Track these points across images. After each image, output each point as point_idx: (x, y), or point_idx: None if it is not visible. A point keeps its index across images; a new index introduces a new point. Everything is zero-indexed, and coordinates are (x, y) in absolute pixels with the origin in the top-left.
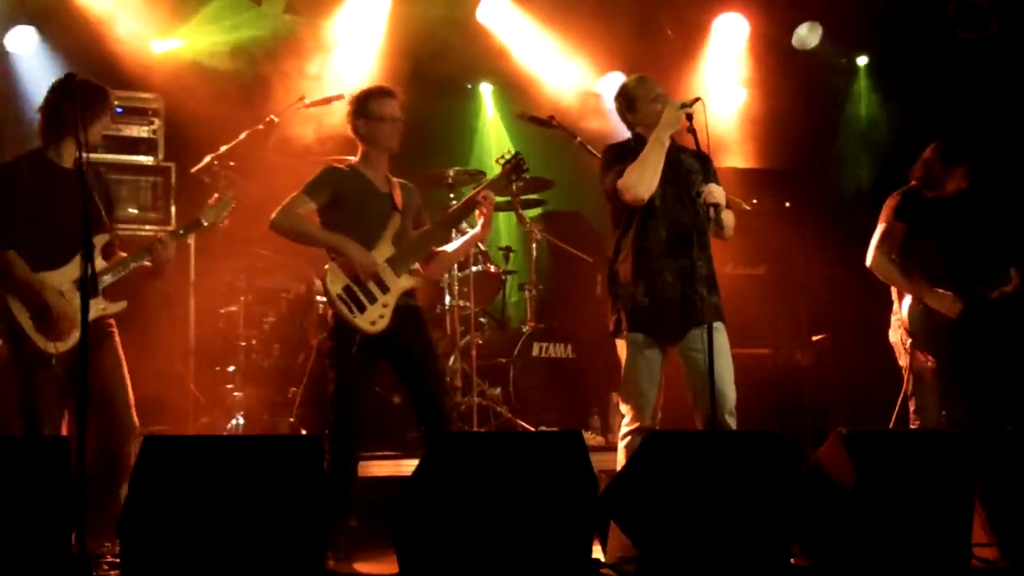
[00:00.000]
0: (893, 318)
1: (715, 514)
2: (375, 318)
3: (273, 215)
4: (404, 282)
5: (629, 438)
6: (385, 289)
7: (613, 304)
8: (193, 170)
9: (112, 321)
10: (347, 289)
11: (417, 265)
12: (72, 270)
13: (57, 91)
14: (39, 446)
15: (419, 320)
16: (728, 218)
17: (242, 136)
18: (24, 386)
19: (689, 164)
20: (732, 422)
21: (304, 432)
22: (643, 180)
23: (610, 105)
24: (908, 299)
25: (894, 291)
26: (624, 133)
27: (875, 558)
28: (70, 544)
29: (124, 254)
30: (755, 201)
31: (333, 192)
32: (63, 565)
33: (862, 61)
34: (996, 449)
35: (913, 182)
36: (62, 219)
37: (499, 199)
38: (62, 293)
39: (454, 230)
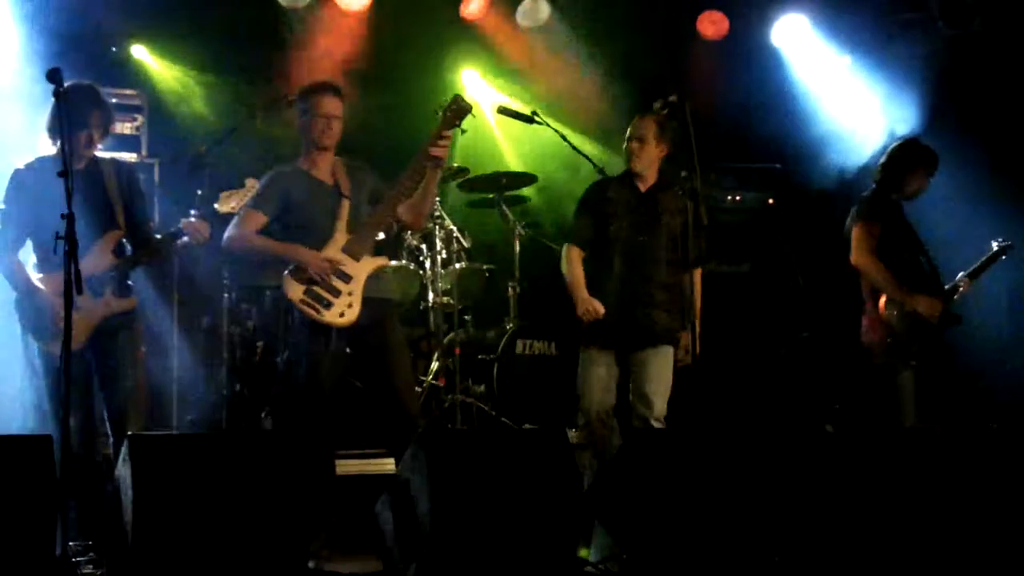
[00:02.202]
0: (865, 318)
1: (698, 511)
2: (343, 309)
3: (225, 234)
4: (366, 265)
5: None
6: (347, 279)
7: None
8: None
9: (131, 315)
10: (308, 292)
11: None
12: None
13: (57, 96)
14: (21, 444)
15: (389, 316)
16: None
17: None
18: (43, 386)
19: (664, 203)
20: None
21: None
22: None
23: None
24: (883, 299)
25: (866, 291)
26: None
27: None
28: (53, 543)
29: (157, 236)
30: (738, 198)
31: (281, 198)
32: (46, 564)
33: (846, 57)
34: None
35: (874, 184)
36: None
37: (484, 195)
38: (62, 294)
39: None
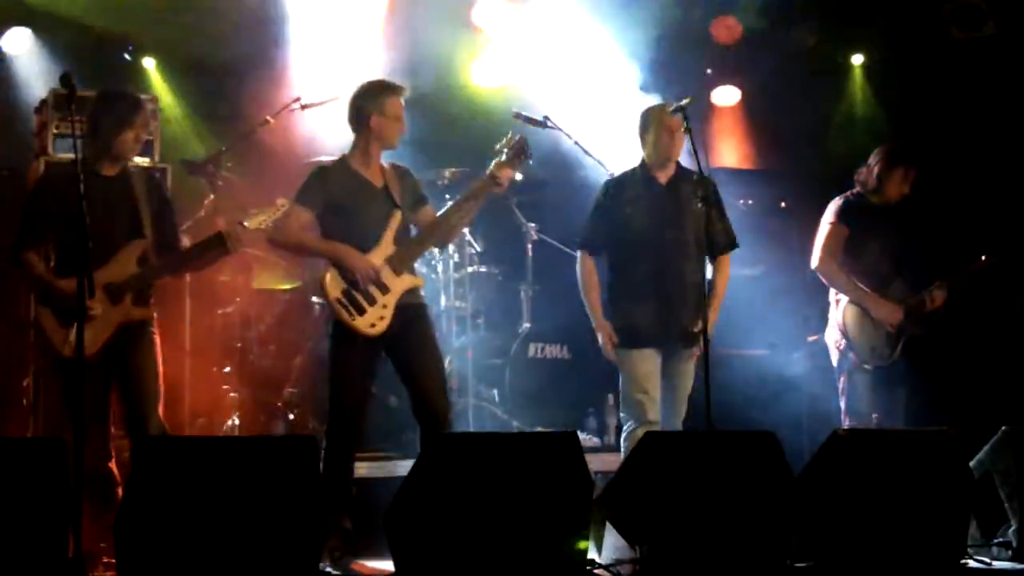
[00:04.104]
0: (830, 318)
1: (712, 515)
2: (375, 320)
3: (271, 228)
4: (405, 281)
5: None
6: (385, 290)
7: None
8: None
9: (148, 323)
10: (346, 293)
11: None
12: (102, 275)
13: (95, 103)
14: (36, 447)
15: (422, 318)
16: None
17: (239, 138)
18: (59, 388)
19: (686, 193)
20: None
21: (300, 434)
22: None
23: None
24: (844, 300)
25: (832, 292)
26: None
27: (872, 559)
28: (67, 545)
29: (186, 242)
30: (750, 202)
31: (326, 196)
32: (60, 566)
33: (857, 60)
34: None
35: (857, 187)
36: (96, 226)
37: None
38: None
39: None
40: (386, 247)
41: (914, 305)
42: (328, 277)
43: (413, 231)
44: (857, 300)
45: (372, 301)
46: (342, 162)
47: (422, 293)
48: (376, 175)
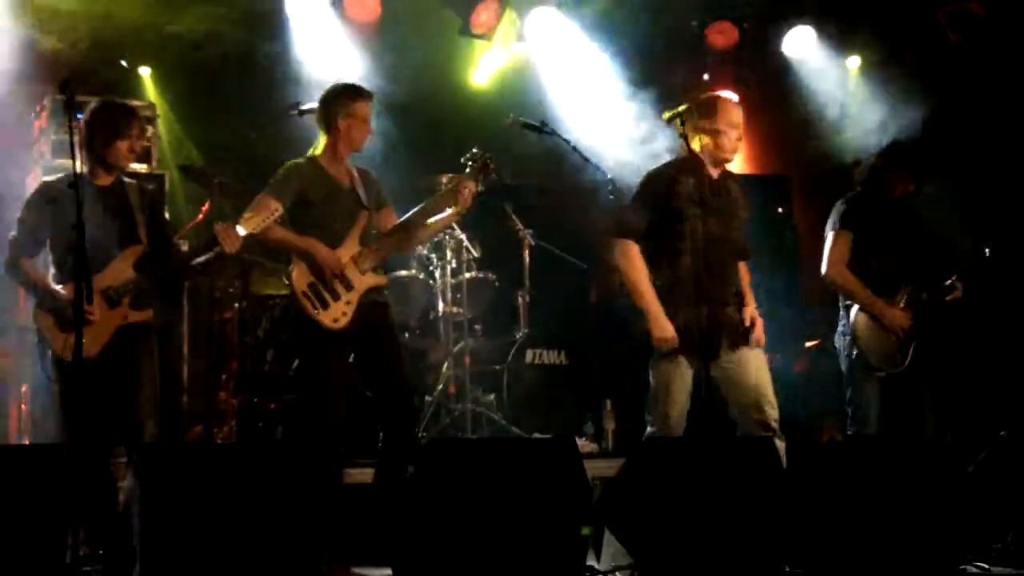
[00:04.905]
0: (840, 325)
1: (709, 520)
2: (338, 315)
3: (241, 220)
4: (369, 279)
5: None
6: (349, 287)
7: None
8: (186, 178)
9: (147, 328)
10: (311, 286)
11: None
12: (99, 281)
13: (88, 114)
14: (34, 453)
15: (383, 317)
16: None
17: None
18: (57, 392)
19: (735, 192)
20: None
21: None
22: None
23: None
24: (854, 309)
25: (841, 300)
26: None
27: (871, 565)
28: (64, 552)
29: (185, 247)
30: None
31: (298, 191)
32: (57, 573)
33: (854, 64)
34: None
35: (859, 188)
36: (92, 234)
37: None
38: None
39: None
40: (352, 246)
41: (928, 301)
42: (295, 271)
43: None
44: (867, 307)
45: (336, 296)
46: (311, 160)
47: (385, 293)
48: (344, 176)
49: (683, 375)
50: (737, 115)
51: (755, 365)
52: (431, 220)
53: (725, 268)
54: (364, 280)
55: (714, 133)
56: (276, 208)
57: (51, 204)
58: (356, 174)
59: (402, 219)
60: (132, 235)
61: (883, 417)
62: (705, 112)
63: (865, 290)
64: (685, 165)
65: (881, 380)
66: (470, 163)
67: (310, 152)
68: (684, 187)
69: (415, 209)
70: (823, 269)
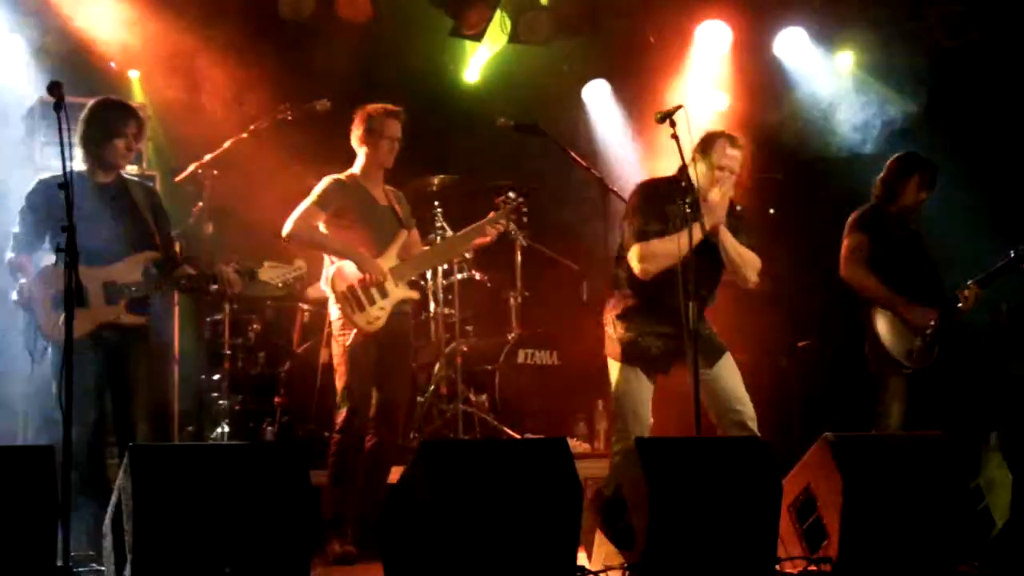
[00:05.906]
0: (867, 327)
1: (701, 521)
2: (372, 319)
3: (287, 226)
4: (402, 292)
5: None
6: (384, 295)
7: None
8: (177, 179)
9: (143, 332)
10: (351, 289)
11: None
12: (105, 272)
13: (85, 112)
14: (23, 455)
15: (405, 329)
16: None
17: (226, 145)
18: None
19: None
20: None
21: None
22: (659, 265)
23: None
24: (875, 309)
25: (862, 302)
26: None
27: (867, 562)
28: (54, 554)
29: (192, 271)
30: (739, 207)
31: (339, 204)
32: (47, 574)
33: (846, 65)
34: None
35: (874, 199)
36: (101, 230)
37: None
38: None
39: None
40: (390, 259)
41: (948, 305)
42: (336, 273)
43: None
44: (889, 305)
45: (372, 301)
46: (352, 178)
47: (408, 308)
48: (381, 195)
49: (646, 388)
50: (730, 160)
51: (727, 369)
52: (461, 248)
53: (704, 292)
54: (397, 292)
55: (709, 167)
56: (300, 266)
57: (47, 200)
58: (391, 194)
59: (438, 244)
60: (147, 237)
61: (907, 415)
62: (702, 147)
63: (885, 288)
64: (675, 184)
65: (908, 377)
66: (503, 204)
67: (350, 170)
68: (673, 210)
69: (451, 235)
70: (841, 270)
